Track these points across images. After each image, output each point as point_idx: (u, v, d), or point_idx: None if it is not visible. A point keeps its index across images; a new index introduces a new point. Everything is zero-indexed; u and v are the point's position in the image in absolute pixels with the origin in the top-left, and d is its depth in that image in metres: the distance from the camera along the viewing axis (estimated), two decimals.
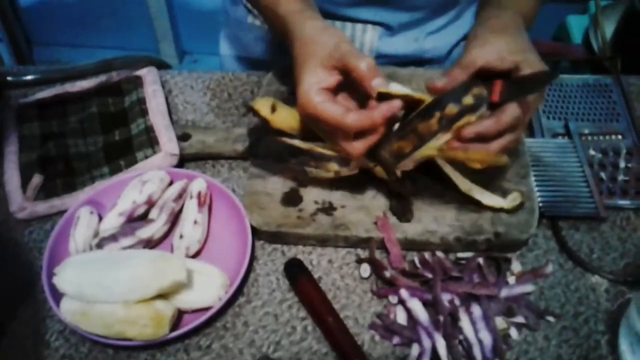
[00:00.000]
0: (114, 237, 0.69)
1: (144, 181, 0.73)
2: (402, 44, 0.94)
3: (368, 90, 0.64)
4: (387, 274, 0.68)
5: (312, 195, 0.75)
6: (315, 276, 0.70)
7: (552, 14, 1.39)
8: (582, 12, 1.62)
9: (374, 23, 0.91)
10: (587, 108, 0.86)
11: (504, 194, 0.73)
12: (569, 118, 0.85)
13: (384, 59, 0.94)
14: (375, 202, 0.74)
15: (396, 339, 0.65)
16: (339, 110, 0.63)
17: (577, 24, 1.56)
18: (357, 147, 0.65)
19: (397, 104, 0.63)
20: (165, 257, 0.64)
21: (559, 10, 1.65)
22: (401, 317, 0.66)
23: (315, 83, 0.65)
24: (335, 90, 0.67)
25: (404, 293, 0.66)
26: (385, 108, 0.62)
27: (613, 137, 0.83)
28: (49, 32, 2.35)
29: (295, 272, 0.70)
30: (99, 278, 0.62)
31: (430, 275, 0.68)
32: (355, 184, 0.75)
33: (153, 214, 0.72)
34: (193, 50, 2.39)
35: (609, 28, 1.31)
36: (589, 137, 0.83)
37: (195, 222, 0.71)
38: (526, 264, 0.71)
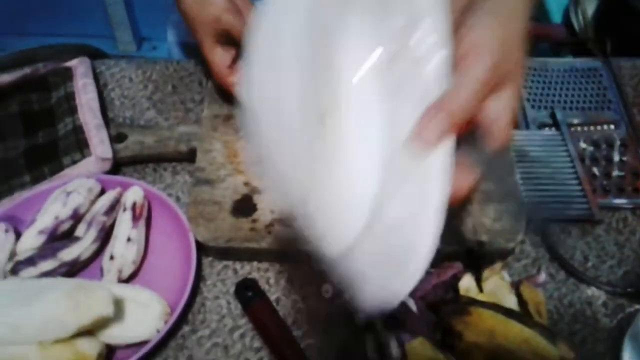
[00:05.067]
0: (31, 261, 0.58)
1: (69, 192, 0.62)
2: None
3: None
4: None
5: (268, 203, 0.65)
6: (273, 297, 0.61)
7: None
8: None
9: None
10: (575, 95, 0.77)
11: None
12: (556, 107, 0.76)
13: None
14: None
15: None
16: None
17: (556, 2, 1.47)
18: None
19: None
20: (85, 287, 0.53)
21: None
22: (370, 347, 0.57)
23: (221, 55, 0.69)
24: None
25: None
26: None
27: (605, 127, 0.74)
28: None
29: (249, 294, 0.60)
30: (6, 316, 0.51)
31: None
32: None
33: (79, 231, 0.61)
34: (152, 37, 2.26)
35: (590, 6, 1.22)
36: (579, 128, 0.74)
37: (129, 240, 0.60)
38: (513, 275, 0.63)
